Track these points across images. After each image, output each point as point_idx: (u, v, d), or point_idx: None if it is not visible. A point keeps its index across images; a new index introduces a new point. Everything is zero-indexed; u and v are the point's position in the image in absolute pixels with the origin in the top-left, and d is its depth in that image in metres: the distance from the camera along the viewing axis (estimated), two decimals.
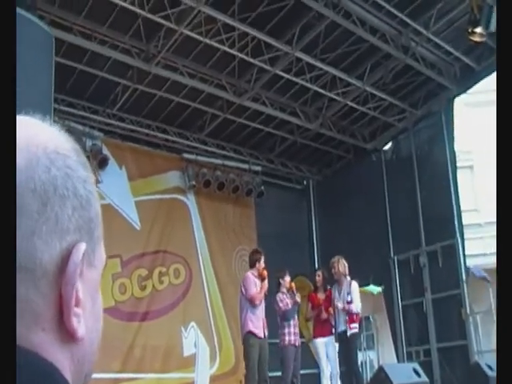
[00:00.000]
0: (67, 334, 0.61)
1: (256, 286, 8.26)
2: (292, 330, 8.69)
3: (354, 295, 8.87)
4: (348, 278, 9.07)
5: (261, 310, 8.27)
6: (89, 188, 0.66)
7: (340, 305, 8.81)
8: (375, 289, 11.16)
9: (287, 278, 8.92)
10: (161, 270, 10.97)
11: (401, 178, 12.11)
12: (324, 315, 9.21)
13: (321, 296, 9.44)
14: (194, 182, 11.64)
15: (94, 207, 0.66)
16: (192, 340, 10.92)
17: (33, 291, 0.58)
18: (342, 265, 9.03)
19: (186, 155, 11.86)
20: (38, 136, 0.63)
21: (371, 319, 12.49)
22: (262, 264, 8.44)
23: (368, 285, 11.06)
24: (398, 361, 11.06)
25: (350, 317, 8.79)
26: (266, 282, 8.33)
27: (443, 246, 11.10)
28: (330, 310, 9.12)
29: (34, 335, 0.59)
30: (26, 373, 0.55)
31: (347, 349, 8.76)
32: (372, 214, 12.32)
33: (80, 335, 0.62)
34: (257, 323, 8.15)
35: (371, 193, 12.53)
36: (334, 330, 9.11)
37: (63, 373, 0.61)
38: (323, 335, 9.20)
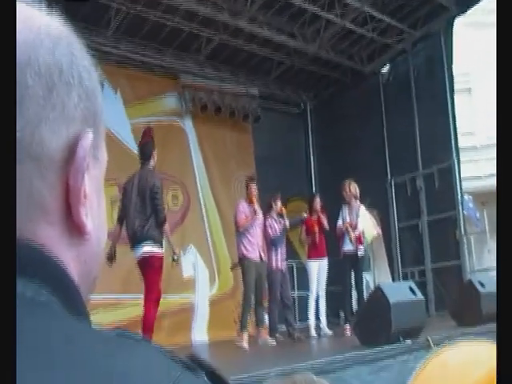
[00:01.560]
0: (75, 229, 0.59)
1: (244, 213, 8.32)
2: (279, 256, 8.82)
3: (363, 219, 9.13)
4: (358, 201, 9.23)
5: (255, 234, 8.34)
6: (94, 79, 0.63)
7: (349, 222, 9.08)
8: None
9: (278, 203, 8.93)
10: None
11: (398, 101, 12.03)
12: (317, 238, 9.37)
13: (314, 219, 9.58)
14: (190, 106, 11.44)
15: (99, 101, 0.64)
16: (191, 262, 11.07)
17: (39, 182, 0.55)
18: (353, 187, 9.19)
19: (182, 78, 11.62)
20: (40, 19, 0.59)
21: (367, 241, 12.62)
22: (251, 190, 8.41)
23: None
24: (394, 281, 11.31)
25: (359, 238, 9.03)
26: (257, 207, 8.38)
27: (440, 168, 11.14)
28: (316, 229, 9.36)
29: (41, 229, 0.56)
30: (31, 267, 0.53)
31: (356, 269, 9.02)
32: (369, 138, 12.31)
33: (88, 229, 0.59)
34: (250, 247, 8.22)
35: (368, 116, 12.47)
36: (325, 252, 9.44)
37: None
38: (316, 257, 9.39)
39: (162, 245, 6.73)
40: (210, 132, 11.92)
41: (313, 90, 14.14)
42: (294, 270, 12.00)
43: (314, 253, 9.45)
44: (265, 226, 8.78)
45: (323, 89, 13.95)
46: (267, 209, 8.93)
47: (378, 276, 11.85)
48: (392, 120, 12.17)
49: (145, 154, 6.95)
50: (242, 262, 8.28)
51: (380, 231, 10.20)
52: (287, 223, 8.88)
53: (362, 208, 9.24)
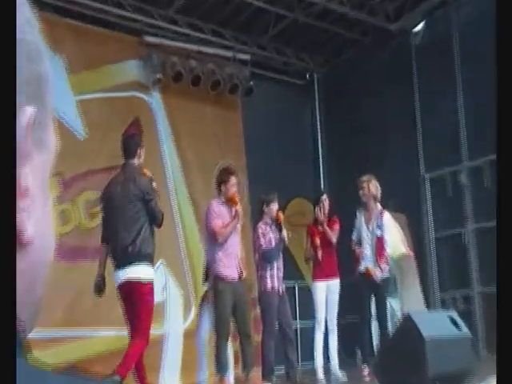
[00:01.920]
0: None
1: (220, 217, 7.99)
2: (275, 273, 8.58)
3: (388, 229, 9.03)
4: (379, 205, 9.09)
5: (233, 245, 8.03)
6: (37, 35, 0.66)
7: (367, 238, 9.04)
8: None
9: (274, 206, 8.68)
10: None
11: (436, 70, 11.64)
12: (319, 254, 9.28)
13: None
14: (159, 75, 11.21)
15: (45, 64, 0.66)
16: (160, 283, 10.66)
17: None
18: (373, 185, 9.05)
19: (148, 38, 11.37)
20: None
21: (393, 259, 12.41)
22: (230, 187, 8.03)
23: None
24: (429, 310, 11.09)
25: (380, 254, 8.89)
26: (240, 209, 8.05)
27: (491, 160, 10.78)
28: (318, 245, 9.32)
29: None
30: None
31: (377, 293, 8.99)
32: (396, 119, 11.98)
33: (28, 235, 0.61)
34: (227, 261, 7.90)
35: (395, 89, 12.05)
36: (337, 272, 9.37)
37: None
38: (323, 277, 9.28)
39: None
40: (185, 108, 11.68)
41: (322, 55, 13.82)
42: (296, 292, 11.88)
43: (319, 272, 9.35)
44: (256, 234, 8.61)
45: (336, 52, 13.59)
46: (259, 213, 8.80)
47: (406, 302, 11.63)
48: (427, 95, 11.75)
49: (129, 149, 7.24)
50: (214, 282, 7.95)
51: (410, 247, 10.00)
52: (285, 235, 8.61)
53: (386, 215, 9.14)
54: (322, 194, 10.06)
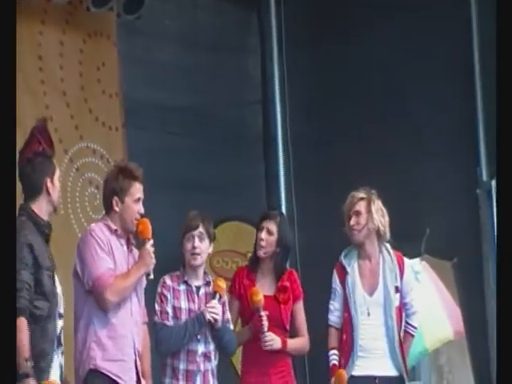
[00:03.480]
0: None
1: (110, 257, 4.50)
2: (189, 382, 4.98)
3: (411, 292, 5.53)
4: (388, 246, 5.46)
5: (129, 322, 4.52)
6: None
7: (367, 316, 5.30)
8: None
9: (195, 240, 5.01)
10: None
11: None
12: (268, 338, 5.27)
13: (264, 285, 5.49)
14: None
15: None
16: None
17: None
18: (376, 209, 5.35)
19: None
20: None
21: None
22: (133, 204, 4.58)
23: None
24: None
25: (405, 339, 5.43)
26: (150, 250, 4.58)
27: None
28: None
29: None
30: None
31: None
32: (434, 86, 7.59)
33: None
34: (114, 350, 4.43)
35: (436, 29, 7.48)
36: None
37: None
38: None
39: None
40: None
41: None
42: None
43: (253, 379, 5.43)
44: (160, 300, 5.03)
45: None
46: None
47: None
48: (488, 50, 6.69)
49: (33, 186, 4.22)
50: (90, 382, 4.43)
51: (458, 320, 6.63)
52: (228, 314, 5.22)
53: (408, 266, 5.69)
54: (272, 211, 6.35)
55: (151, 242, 4.61)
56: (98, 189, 6.73)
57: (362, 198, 5.37)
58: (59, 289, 4.21)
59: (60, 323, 4.22)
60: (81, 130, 7.17)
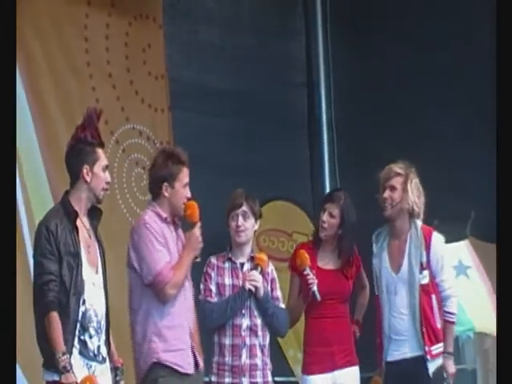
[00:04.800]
0: None
1: (166, 248, 4.56)
2: (236, 356, 4.97)
3: (443, 270, 5.27)
4: (419, 222, 5.27)
5: (184, 310, 4.62)
6: None
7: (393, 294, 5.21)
8: None
9: (239, 219, 5.05)
10: None
11: None
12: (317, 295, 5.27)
13: (324, 261, 5.51)
14: None
15: None
16: None
17: None
18: (412, 188, 5.17)
19: None
20: None
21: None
22: (182, 189, 4.64)
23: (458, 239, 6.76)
24: None
25: (430, 324, 5.18)
26: (198, 234, 4.64)
27: None
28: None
29: None
30: None
31: None
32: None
33: None
34: (173, 340, 4.54)
35: None
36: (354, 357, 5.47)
37: None
38: (327, 363, 5.36)
39: None
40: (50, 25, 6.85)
41: None
42: None
43: (317, 358, 5.38)
44: (205, 279, 5.09)
45: None
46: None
47: None
48: None
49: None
50: (153, 374, 4.50)
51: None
52: (256, 273, 5.05)
53: (437, 239, 5.31)
54: (336, 192, 6.04)
55: (199, 225, 4.65)
56: (144, 170, 6.72)
57: (398, 174, 5.21)
58: (92, 276, 4.09)
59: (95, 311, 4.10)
60: (127, 112, 7.16)
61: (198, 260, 4.70)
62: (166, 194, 4.60)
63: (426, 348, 5.11)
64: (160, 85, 7.49)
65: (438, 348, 5.16)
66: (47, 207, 4.50)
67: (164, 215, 4.58)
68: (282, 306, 5.20)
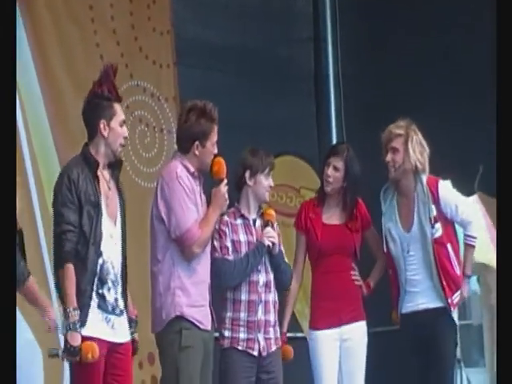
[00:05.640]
0: None
1: (194, 204, 4.52)
2: (251, 312, 4.90)
3: (458, 208, 5.24)
4: (424, 177, 5.22)
5: (205, 267, 4.62)
6: None
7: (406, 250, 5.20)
8: None
9: (265, 180, 4.98)
10: None
11: None
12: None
13: (332, 216, 5.45)
14: None
15: None
16: None
17: None
18: (414, 146, 5.14)
19: None
20: None
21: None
22: (211, 147, 4.58)
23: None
24: None
25: (449, 275, 5.18)
26: (224, 190, 4.61)
27: None
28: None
29: None
30: None
31: (434, 356, 5.10)
32: None
33: None
34: (196, 296, 4.52)
35: None
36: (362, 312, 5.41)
37: None
38: (334, 319, 5.32)
39: None
40: None
41: None
42: None
43: (325, 307, 5.38)
44: (216, 232, 4.89)
45: None
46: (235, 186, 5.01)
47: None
48: None
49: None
50: (174, 327, 4.47)
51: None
52: (270, 230, 4.97)
53: (444, 186, 5.28)
54: (340, 145, 6.33)
55: (225, 181, 4.60)
56: (147, 127, 6.78)
57: (399, 135, 5.19)
58: (110, 228, 4.07)
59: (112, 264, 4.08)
60: (131, 68, 7.07)
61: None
62: (197, 153, 4.52)
63: (449, 300, 5.13)
64: (165, 41, 7.39)
65: (457, 296, 5.19)
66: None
67: (192, 169, 4.51)
68: (286, 260, 5.16)
